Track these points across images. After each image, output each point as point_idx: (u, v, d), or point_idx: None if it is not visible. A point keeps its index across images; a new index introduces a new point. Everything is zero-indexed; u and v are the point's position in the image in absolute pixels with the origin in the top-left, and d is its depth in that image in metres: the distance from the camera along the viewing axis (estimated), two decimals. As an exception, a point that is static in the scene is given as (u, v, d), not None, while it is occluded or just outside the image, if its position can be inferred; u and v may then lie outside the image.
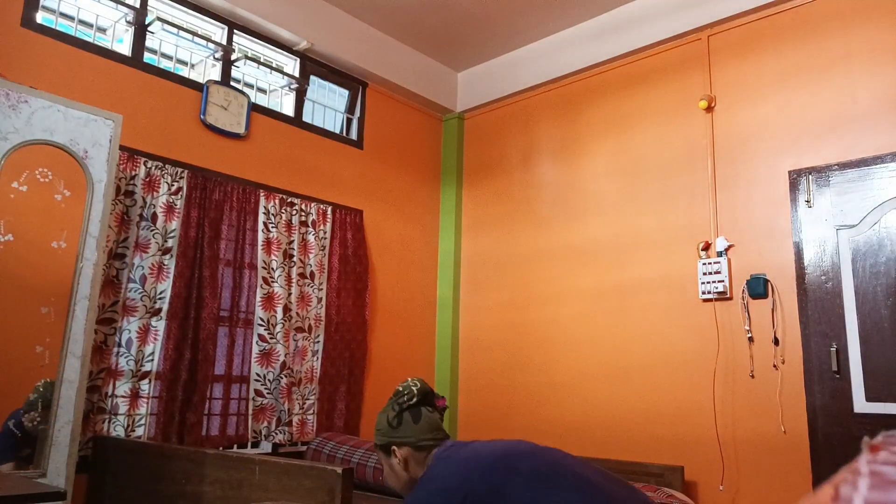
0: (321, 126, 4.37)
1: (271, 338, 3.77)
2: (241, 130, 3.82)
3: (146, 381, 3.27)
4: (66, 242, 2.68)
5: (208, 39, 3.78)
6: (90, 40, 3.35)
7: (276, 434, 3.72)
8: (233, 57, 3.87)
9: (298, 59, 4.24)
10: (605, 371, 3.95)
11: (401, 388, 1.72)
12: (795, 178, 3.40)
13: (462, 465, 1.47)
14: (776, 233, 3.43)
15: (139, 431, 3.23)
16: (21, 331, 2.54)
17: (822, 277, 3.24)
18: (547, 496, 1.35)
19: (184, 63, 3.78)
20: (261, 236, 3.81)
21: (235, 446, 3.66)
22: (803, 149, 3.41)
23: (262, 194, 3.85)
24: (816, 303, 3.24)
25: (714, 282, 3.54)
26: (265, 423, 3.69)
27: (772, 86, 3.57)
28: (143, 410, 3.26)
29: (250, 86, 4.08)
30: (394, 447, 1.68)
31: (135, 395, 3.23)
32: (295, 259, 3.95)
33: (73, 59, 3.21)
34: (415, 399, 1.71)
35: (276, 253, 3.84)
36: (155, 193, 3.39)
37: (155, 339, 3.32)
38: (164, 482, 2.63)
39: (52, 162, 2.67)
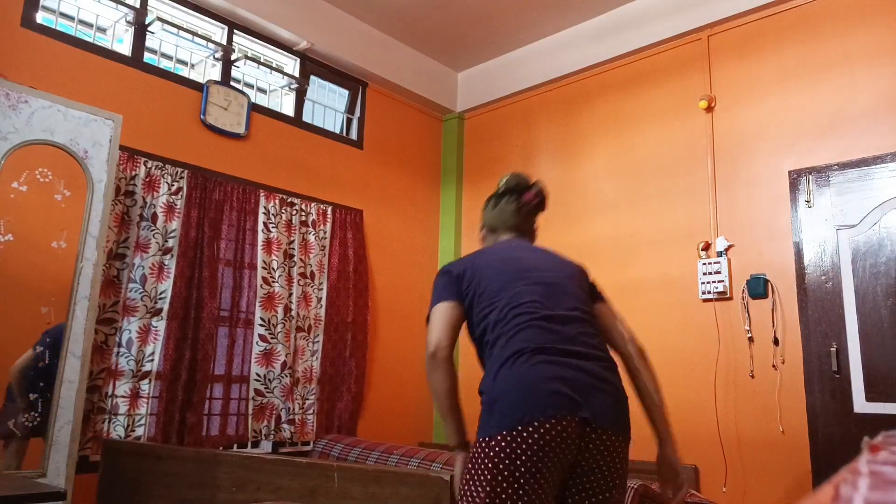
0: (321, 126, 4.37)
1: (272, 338, 3.77)
2: (241, 130, 3.82)
3: (146, 381, 3.27)
4: (66, 242, 2.68)
5: (208, 39, 3.78)
6: (90, 40, 3.35)
7: (276, 434, 3.72)
8: (233, 57, 3.87)
9: (298, 59, 4.24)
10: (605, 371, 3.95)
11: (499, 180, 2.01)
12: (795, 178, 3.40)
13: (471, 256, 1.85)
14: (776, 233, 3.43)
15: (139, 431, 3.23)
16: (21, 331, 2.54)
17: (822, 277, 3.24)
18: (501, 279, 1.72)
19: (184, 63, 3.78)
20: (261, 236, 3.81)
21: (235, 446, 3.66)
22: (803, 149, 3.41)
23: (262, 194, 3.85)
24: (816, 303, 3.24)
25: (714, 282, 3.54)
26: (265, 423, 3.70)
27: (772, 86, 3.57)
28: (144, 410, 3.26)
29: (250, 86, 4.08)
30: (482, 226, 2.07)
31: (135, 395, 3.23)
32: (295, 259, 3.96)
33: (73, 59, 3.21)
34: (500, 190, 1.98)
35: (276, 253, 3.85)
36: (155, 193, 3.39)
37: (155, 339, 3.32)
38: (205, 490, 2.37)
39: (52, 162, 2.67)
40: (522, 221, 1.97)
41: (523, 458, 1.45)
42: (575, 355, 1.60)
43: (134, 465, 2.79)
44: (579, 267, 1.92)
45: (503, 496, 1.45)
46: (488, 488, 1.46)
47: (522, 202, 1.95)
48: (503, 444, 1.47)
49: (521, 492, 1.45)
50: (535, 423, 1.46)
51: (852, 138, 3.27)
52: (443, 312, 1.77)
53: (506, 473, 1.45)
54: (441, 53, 4.87)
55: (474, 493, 1.50)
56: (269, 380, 3.74)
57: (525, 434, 1.46)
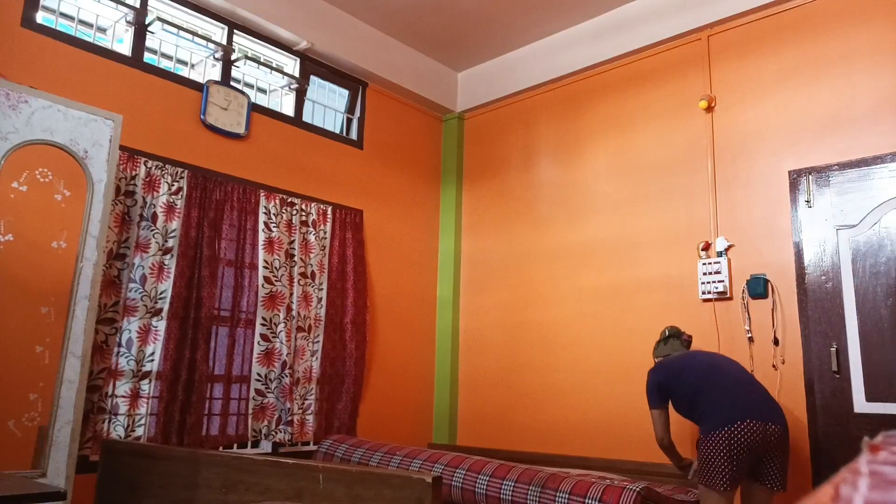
0: (321, 126, 4.37)
1: (274, 337, 3.77)
2: (241, 130, 3.82)
3: (146, 380, 3.28)
4: (66, 242, 2.68)
5: (208, 39, 3.78)
6: (90, 40, 3.35)
7: (276, 434, 3.72)
8: (233, 57, 3.87)
9: (298, 59, 4.24)
10: (605, 371, 3.95)
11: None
12: (795, 178, 3.40)
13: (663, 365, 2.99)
14: (776, 233, 3.43)
15: (139, 431, 3.23)
16: (21, 331, 2.54)
17: (822, 277, 3.24)
18: (697, 380, 2.78)
19: (184, 63, 3.78)
20: (261, 236, 3.81)
21: (235, 446, 3.66)
22: (803, 149, 3.41)
23: (262, 194, 3.85)
24: (816, 303, 3.24)
25: (714, 282, 3.54)
26: (265, 423, 3.70)
27: (772, 86, 3.57)
28: (144, 410, 3.26)
29: (250, 86, 4.08)
30: (655, 359, 3.24)
31: (135, 395, 3.23)
32: (296, 259, 3.96)
33: (73, 59, 3.21)
34: (664, 336, 3.24)
35: (277, 252, 3.85)
36: (155, 193, 3.39)
37: (155, 339, 3.32)
38: (198, 491, 2.41)
39: (52, 162, 2.67)
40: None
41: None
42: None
43: (132, 465, 2.79)
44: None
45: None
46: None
47: (684, 340, 3.22)
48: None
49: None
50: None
51: (852, 138, 3.27)
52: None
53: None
54: (441, 53, 4.87)
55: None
56: (270, 380, 3.74)
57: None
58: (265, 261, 3.79)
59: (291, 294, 3.89)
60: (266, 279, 3.78)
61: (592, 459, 3.84)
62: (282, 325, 3.79)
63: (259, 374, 3.70)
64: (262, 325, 3.75)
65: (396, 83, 4.67)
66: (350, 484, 1.98)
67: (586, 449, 3.94)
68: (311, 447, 3.93)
